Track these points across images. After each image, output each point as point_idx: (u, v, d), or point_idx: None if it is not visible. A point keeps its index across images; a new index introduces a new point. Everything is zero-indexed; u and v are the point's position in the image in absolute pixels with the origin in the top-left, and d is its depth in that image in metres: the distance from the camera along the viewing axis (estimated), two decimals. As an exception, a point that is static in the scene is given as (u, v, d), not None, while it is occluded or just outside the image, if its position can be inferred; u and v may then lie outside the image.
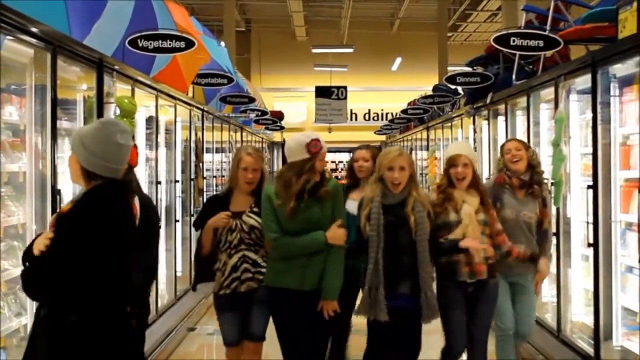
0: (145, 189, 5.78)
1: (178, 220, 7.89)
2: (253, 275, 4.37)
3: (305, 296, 4.10)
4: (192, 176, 8.76)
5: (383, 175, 4.26)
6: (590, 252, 5.30)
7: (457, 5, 22.25)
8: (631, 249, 4.97)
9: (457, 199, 4.48)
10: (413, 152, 15.79)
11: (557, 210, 5.86)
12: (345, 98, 21.08)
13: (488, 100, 8.18)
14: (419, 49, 24.11)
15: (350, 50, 22.62)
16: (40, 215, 4.46)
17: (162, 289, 7.31)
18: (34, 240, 3.04)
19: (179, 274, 7.78)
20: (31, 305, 4.40)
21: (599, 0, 6.59)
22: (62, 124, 4.90)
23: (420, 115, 14.59)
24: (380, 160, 4.32)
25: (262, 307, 4.34)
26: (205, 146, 9.67)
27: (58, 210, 4.03)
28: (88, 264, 2.91)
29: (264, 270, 4.33)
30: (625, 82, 5.04)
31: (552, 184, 5.62)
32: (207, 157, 10.11)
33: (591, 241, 5.20)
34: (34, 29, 4.21)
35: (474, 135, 9.37)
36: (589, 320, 5.47)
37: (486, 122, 8.61)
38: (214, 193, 9.77)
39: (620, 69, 4.99)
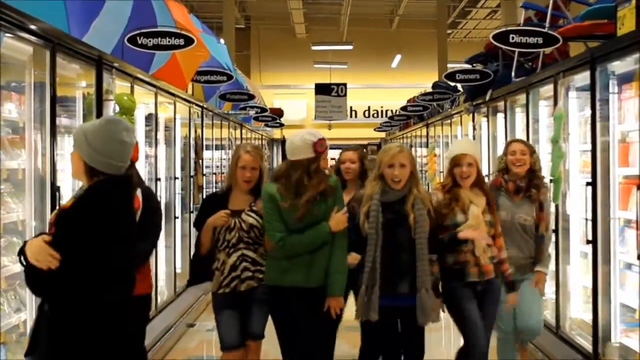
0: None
1: (177, 217, 7.89)
2: (253, 274, 4.32)
3: (310, 293, 4.04)
4: (192, 173, 8.76)
5: (383, 172, 4.19)
6: (589, 249, 5.31)
7: (456, 2, 22.25)
8: (630, 246, 4.97)
9: (464, 200, 4.41)
10: (413, 149, 15.79)
11: (556, 207, 5.86)
12: (345, 95, 21.14)
13: (487, 98, 8.19)
14: (418, 46, 24.12)
15: (350, 47, 22.64)
16: (39, 211, 4.47)
17: (162, 286, 7.32)
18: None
19: (178, 270, 7.79)
20: (30, 301, 4.41)
21: (598, -3, 6.59)
22: (62, 121, 4.91)
23: (419, 113, 14.60)
24: (380, 157, 4.24)
25: (261, 305, 4.30)
26: (204, 143, 9.67)
27: (58, 207, 4.05)
28: (90, 258, 2.93)
29: (263, 268, 4.29)
30: (624, 79, 5.04)
31: (551, 181, 5.63)
32: (206, 154, 10.11)
33: (590, 238, 5.20)
34: (33, 27, 4.21)
35: (473, 132, 9.38)
36: (588, 317, 5.47)
37: (485, 119, 8.61)
38: (213, 190, 9.78)
39: (619, 66, 4.99)
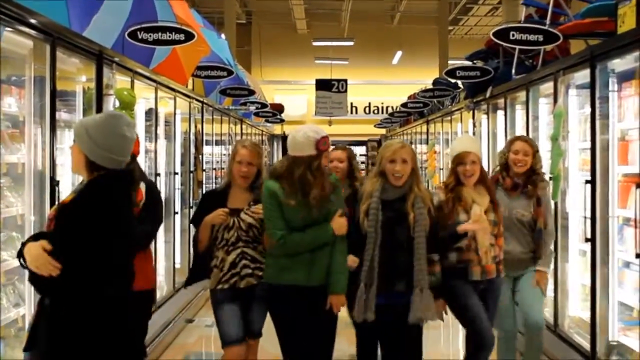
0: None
1: (177, 213, 7.89)
2: (253, 272, 4.29)
3: (311, 291, 4.01)
4: (192, 168, 8.76)
5: (384, 168, 4.14)
6: (587, 247, 5.31)
7: (458, -2, 22.25)
8: (628, 245, 4.98)
9: (467, 199, 4.39)
10: (413, 145, 15.78)
11: (555, 205, 5.86)
12: (346, 91, 21.10)
13: (487, 95, 8.18)
14: (419, 42, 24.09)
15: (351, 43, 22.63)
16: (38, 206, 4.47)
17: (161, 281, 7.33)
18: (29, 240, 3.04)
19: (177, 265, 7.79)
20: (29, 296, 4.42)
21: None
22: (61, 115, 4.91)
23: (420, 109, 14.58)
24: (382, 153, 4.19)
25: (261, 303, 4.27)
26: (204, 138, 9.67)
27: (58, 202, 4.06)
28: (91, 253, 2.93)
29: (263, 266, 4.25)
30: (624, 77, 5.04)
31: (550, 178, 5.62)
32: (206, 149, 10.10)
33: (589, 236, 5.20)
34: (33, 21, 4.21)
35: (474, 129, 9.38)
36: (586, 316, 5.47)
37: (485, 116, 8.60)
38: (213, 186, 9.78)
39: (619, 64, 4.98)
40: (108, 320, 2.98)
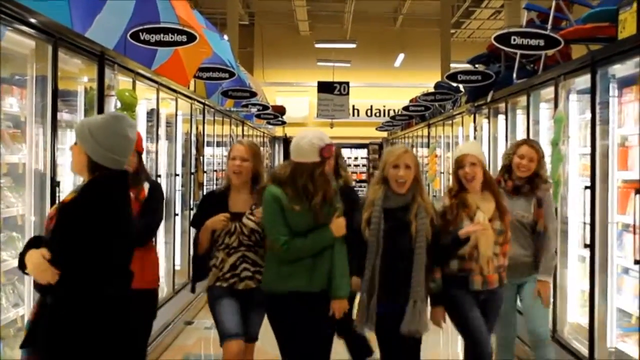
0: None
1: (177, 214, 7.90)
2: (253, 275, 4.26)
3: (311, 297, 3.99)
4: (193, 170, 8.77)
5: (387, 174, 4.09)
6: (587, 253, 5.30)
7: (460, 2, 22.21)
8: (627, 251, 4.97)
9: (472, 206, 4.31)
10: (414, 149, 15.78)
11: (555, 210, 5.86)
12: (348, 94, 21.13)
13: (489, 99, 8.19)
14: (422, 45, 24.06)
15: (353, 45, 22.62)
16: (39, 206, 4.48)
17: (161, 282, 7.30)
18: (28, 247, 3.05)
19: (177, 267, 7.79)
20: (29, 296, 4.42)
21: (600, -1, 6.60)
22: (63, 115, 4.92)
23: (421, 113, 14.60)
24: (385, 158, 4.14)
25: (259, 307, 4.24)
26: (206, 140, 9.68)
27: (58, 202, 4.07)
28: (91, 252, 2.94)
29: (262, 270, 4.22)
30: (625, 82, 5.04)
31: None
32: (207, 150, 10.12)
33: (588, 242, 5.19)
34: (34, 21, 4.21)
35: (475, 133, 9.39)
36: (585, 322, 5.45)
37: (486, 120, 8.62)
38: (214, 187, 9.78)
39: (619, 69, 4.99)
40: (108, 320, 2.99)
